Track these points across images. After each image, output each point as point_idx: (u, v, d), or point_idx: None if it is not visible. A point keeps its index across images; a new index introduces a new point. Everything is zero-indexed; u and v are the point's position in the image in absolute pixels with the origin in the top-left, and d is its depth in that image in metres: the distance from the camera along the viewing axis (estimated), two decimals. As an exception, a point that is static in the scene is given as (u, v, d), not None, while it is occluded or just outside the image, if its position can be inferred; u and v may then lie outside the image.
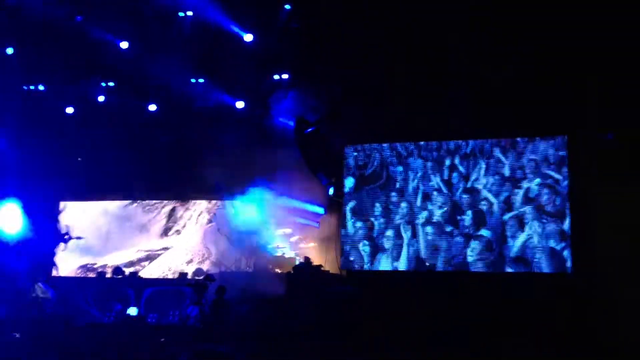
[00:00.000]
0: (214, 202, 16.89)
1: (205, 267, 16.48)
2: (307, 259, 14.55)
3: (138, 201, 17.57)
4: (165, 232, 17.43)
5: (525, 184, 13.90)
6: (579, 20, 12.48)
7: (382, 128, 15.11)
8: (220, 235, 16.58)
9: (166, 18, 15.72)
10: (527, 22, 12.95)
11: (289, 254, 15.60)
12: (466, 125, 14.20)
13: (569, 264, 13.29)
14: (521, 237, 13.70)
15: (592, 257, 12.87)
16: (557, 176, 13.70)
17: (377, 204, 14.99)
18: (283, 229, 15.73)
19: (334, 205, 15.49)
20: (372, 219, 14.92)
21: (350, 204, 15.08)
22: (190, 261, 16.83)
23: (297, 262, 14.92)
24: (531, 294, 12.77)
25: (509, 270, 13.68)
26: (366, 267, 14.69)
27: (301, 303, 13.13)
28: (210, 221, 16.89)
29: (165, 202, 17.40)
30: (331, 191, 15.45)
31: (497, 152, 14.30)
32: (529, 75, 13.39)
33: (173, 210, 17.40)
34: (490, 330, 11.63)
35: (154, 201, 17.45)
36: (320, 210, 15.57)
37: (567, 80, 13.10)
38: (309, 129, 15.70)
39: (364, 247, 14.83)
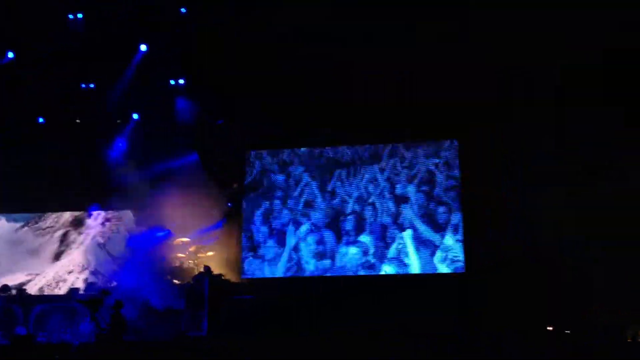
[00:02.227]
0: (108, 225, 16.65)
1: (83, 276, 16.26)
2: (207, 268, 14.25)
3: (30, 224, 17.12)
4: (57, 256, 16.85)
5: (404, 189, 14.58)
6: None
7: (278, 133, 15.18)
8: (99, 249, 16.54)
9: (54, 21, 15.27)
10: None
11: (188, 263, 15.25)
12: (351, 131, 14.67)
13: (447, 266, 13.94)
14: (398, 240, 14.34)
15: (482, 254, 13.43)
16: (437, 178, 14.41)
17: (258, 212, 15.19)
18: (181, 239, 15.37)
19: (234, 212, 15.37)
20: (252, 227, 15.14)
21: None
22: (71, 271, 16.52)
23: (196, 272, 14.58)
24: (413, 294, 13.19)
25: (387, 270, 14.23)
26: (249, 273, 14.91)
27: (203, 313, 12.90)
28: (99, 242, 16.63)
29: (58, 226, 16.97)
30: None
31: (377, 159, 14.91)
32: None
33: (65, 234, 16.93)
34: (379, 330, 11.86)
35: (47, 225, 17.03)
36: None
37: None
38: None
39: (248, 260, 15.05)
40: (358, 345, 11.32)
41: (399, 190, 14.64)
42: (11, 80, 16.18)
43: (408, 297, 13.01)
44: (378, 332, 11.56)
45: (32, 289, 16.32)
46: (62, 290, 16.20)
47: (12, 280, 16.27)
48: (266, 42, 14.46)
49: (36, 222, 17.13)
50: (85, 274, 16.39)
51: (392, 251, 14.37)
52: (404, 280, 14.06)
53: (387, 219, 14.56)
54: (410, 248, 14.28)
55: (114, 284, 15.72)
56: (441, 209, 14.30)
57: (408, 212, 14.48)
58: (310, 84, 14.28)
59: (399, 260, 14.30)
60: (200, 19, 15.14)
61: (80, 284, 16.19)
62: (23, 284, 16.41)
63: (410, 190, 14.56)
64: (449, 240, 14.10)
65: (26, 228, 17.15)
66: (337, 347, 11.35)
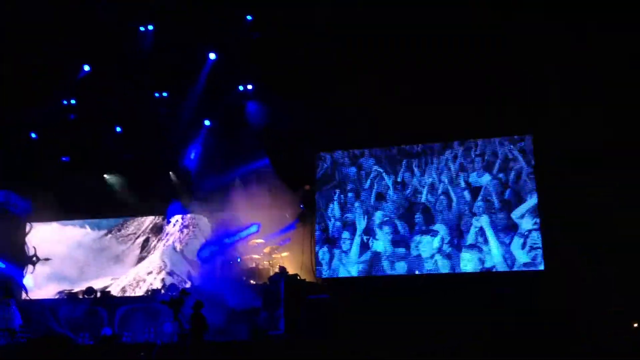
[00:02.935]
0: (185, 231, 17.28)
1: (161, 276, 17.00)
2: (282, 268, 14.53)
3: (113, 232, 17.95)
4: (139, 261, 17.71)
5: (478, 177, 14.45)
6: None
7: (346, 134, 15.32)
8: (174, 251, 17.21)
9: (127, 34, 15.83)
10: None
11: (263, 264, 15.59)
12: (420, 126, 14.56)
13: (524, 257, 13.75)
14: (474, 228, 14.21)
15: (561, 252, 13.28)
16: (512, 166, 14.24)
17: (331, 206, 15.31)
18: (255, 240, 15.73)
19: (306, 214, 15.60)
20: (327, 220, 15.27)
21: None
22: (150, 272, 17.36)
23: (272, 273, 14.88)
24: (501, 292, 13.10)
25: (464, 256, 14.12)
26: (325, 272, 15.01)
27: (279, 313, 13.17)
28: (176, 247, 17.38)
29: (139, 233, 17.76)
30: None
31: (448, 151, 14.79)
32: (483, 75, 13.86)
33: (147, 240, 17.71)
34: (464, 332, 11.82)
35: (129, 232, 17.84)
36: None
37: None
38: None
39: (323, 252, 15.16)
40: (435, 345, 11.38)
41: (472, 178, 14.48)
42: (88, 92, 16.91)
43: (488, 295, 12.93)
44: (456, 332, 11.58)
45: (114, 290, 17.21)
46: (142, 289, 17.04)
47: (98, 285, 17.17)
48: (330, 45, 14.62)
49: (119, 230, 17.97)
50: (162, 275, 17.17)
51: (469, 238, 14.23)
52: (483, 277, 13.92)
53: (461, 207, 14.42)
54: (489, 235, 14.07)
55: (189, 283, 16.34)
56: (517, 196, 14.08)
57: (483, 200, 14.32)
58: (380, 83, 14.28)
59: (478, 247, 14.13)
60: (267, 24, 15.44)
61: (158, 284, 16.99)
62: (107, 286, 17.22)
63: (485, 178, 14.38)
64: (527, 225, 13.85)
65: (110, 235, 17.99)
66: (414, 347, 11.42)
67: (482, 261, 14.07)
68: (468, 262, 14.17)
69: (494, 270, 13.94)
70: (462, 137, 14.67)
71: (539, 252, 13.72)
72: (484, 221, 14.19)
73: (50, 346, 13.50)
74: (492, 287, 13.47)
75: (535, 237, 13.79)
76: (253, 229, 15.72)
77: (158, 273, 17.21)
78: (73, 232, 18.11)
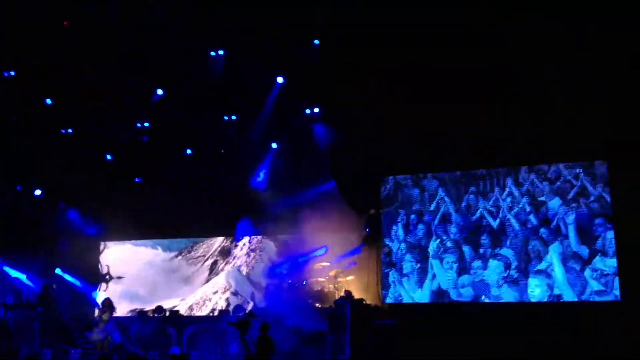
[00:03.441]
0: (252, 255, 17.72)
1: (225, 296, 17.51)
2: (348, 292, 14.53)
3: (183, 254, 18.60)
4: (207, 283, 18.28)
5: (545, 205, 14.16)
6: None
7: (412, 158, 15.26)
8: (239, 273, 17.67)
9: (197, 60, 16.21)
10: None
11: (328, 287, 15.62)
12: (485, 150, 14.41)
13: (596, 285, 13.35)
14: (543, 254, 13.93)
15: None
16: (579, 199, 13.90)
17: (394, 228, 15.28)
18: (321, 263, 15.79)
19: (372, 237, 15.57)
20: (389, 243, 15.25)
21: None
22: (216, 292, 17.90)
23: (337, 297, 14.89)
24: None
25: (532, 282, 13.84)
26: (390, 297, 14.94)
27: (345, 338, 13.16)
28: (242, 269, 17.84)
29: (208, 255, 18.33)
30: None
31: (514, 175, 14.58)
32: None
33: (215, 263, 18.28)
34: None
35: (198, 254, 18.45)
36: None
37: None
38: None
39: (388, 276, 15.15)
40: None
41: (540, 202, 14.24)
42: (161, 115, 17.41)
43: (558, 326, 12.60)
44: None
45: (182, 308, 17.72)
46: (208, 308, 17.54)
47: (167, 304, 17.70)
48: (395, 70, 14.62)
49: (189, 252, 18.61)
50: (227, 294, 17.63)
51: (537, 264, 13.96)
52: (551, 306, 13.59)
53: (528, 232, 14.19)
54: (557, 261, 13.78)
55: (251, 304, 16.53)
56: (588, 222, 13.77)
57: (551, 226, 14.05)
58: (444, 107, 14.23)
59: (546, 273, 13.85)
60: (330, 48, 15.56)
61: (222, 303, 17.47)
62: (176, 306, 17.64)
63: (554, 202, 14.12)
64: (598, 252, 13.52)
65: (180, 257, 18.64)
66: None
67: (550, 287, 13.77)
68: (536, 288, 13.89)
69: (562, 297, 13.61)
70: (530, 161, 14.43)
71: (612, 279, 13.31)
72: (552, 247, 13.90)
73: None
74: (561, 316, 13.09)
75: (609, 265, 13.37)
76: (321, 251, 15.79)
77: (223, 293, 17.70)
78: (145, 252, 18.85)
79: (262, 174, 17.08)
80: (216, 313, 17.31)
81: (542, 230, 14.09)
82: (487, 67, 13.98)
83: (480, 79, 14.15)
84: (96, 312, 17.40)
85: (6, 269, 17.52)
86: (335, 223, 15.24)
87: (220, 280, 17.93)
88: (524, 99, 13.77)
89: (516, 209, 14.42)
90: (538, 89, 13.69)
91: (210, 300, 17.70)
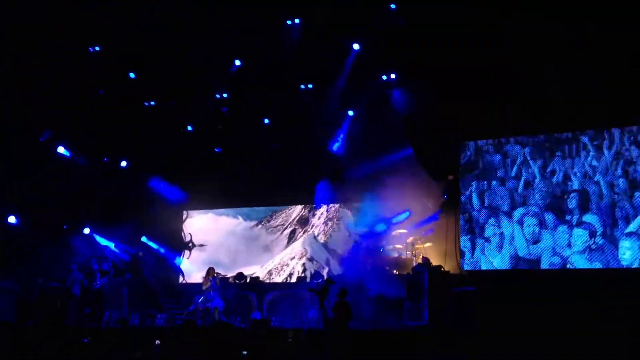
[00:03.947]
0: (330, 224, 17.97)
1: (302, 261, 17.97)
2: (425, 259, 14.38)
3: (263, 223, 18.99)
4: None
5: (635, 165, 13.53)
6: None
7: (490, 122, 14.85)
8: (315, 240, 17.97)
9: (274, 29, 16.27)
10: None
11: (406, 254, 15.52)
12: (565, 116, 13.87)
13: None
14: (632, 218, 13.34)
15: None
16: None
17: (475, 194, 14.98)
18: (399, 230, 15.69)
19: (449, 204, 15.34)
20: (471, 210, 15.00)
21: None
22: (293, 257, 18.29)
23: (415, 264, 14.79)
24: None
25: (623, 244, 13.28)
26: (468, 263, 14.73)
27: (423, 304, 13.08)
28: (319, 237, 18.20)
29: (287, 224, 18.68)
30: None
31: (601, 138, 13.97)
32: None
33: (293, 232, 18.59)
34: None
35: (277, 223, 18.80)
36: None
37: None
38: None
39: (467, 243, 14.94)
40: (579, 346, 10.80)
41: (629, 166, 13.57)
42: (239, 86, 17.64)
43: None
44: (607, 331, 10.90)
45: (262, 273, 18.18)
46: (285, 273, 18.02)
47: (248, 271, 18.11)
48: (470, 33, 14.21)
49: (268, 221, 19.01)
50: (303, 260, 18.07)
51: (626, 227, 13.36)
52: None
53: (616, 197, 13.59)
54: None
55: (326, 269, 16.65)
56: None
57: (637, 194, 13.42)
58: (523, 70, 13.74)
59: (638, 235, 13.23)
60: (408, 13, 15.27)
61: (299, 268, 17.94)
62: (255, 272, 17.99)
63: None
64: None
65: (260, 226, 19.06)
66: (560, 345, 10.92)
67: (642, 249, 13.11)
68: (627, 251, 13.31)
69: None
70: (617, 123, 13.77)
71: None
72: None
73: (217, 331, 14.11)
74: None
75: None
76: (404, 215, 15.67)
77: (300, 259, 18.10)
78: (227, 221, 19.36)
79: (339, 140, 17.03)
80: (294, 279, 17.64)
81: (635, 193, 13.42)
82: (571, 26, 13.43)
83: (564, 37, 13.59)
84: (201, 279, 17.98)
85: (96, 237, 18.31)
86: (413, 189, 15.09)
87: (297, 247, 18.29)
88: (611, 57, 13.12)
89: (602, 173, 13.81)
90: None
91: (287, 265, 18.17)
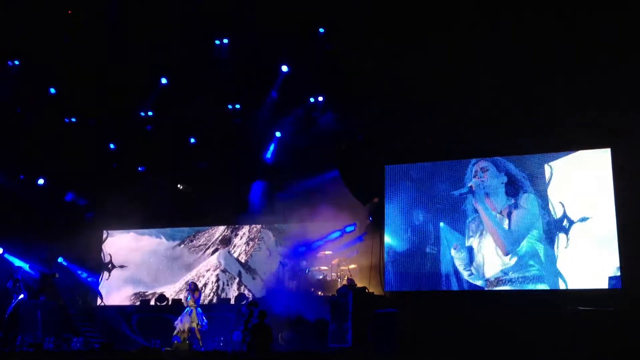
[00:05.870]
0: (251, 244, 18.02)
1: (216, 273, 18.12)
2: (350, 281, 14.40)
3: (185, 243, 18.85)
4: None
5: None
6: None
7: (419, 147, 15.11)
8: (229, 254, 18.19)
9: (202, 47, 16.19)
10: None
11: (331, 276, 15.54)
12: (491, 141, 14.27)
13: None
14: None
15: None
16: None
17: (398, 217, 15.07)
18: (324, 252, 15.72)
19: (375, 225, 15.48)
20: (392, 230, 15.03)
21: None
22: (208, 269, 18.45)
23: (340, 285, 14.80)
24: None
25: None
26: (393, 285, 14.79)
27: (347, 326, 13.06)
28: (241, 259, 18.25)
29: (210, 244, 18.59)
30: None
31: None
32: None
33: (215, 251, 18.53)
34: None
35: (200, 243, 18.71)
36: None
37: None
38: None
39: (391, 265, 14.94)
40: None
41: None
42: (164, 105, 17.39)
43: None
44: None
45: (180, 285, 18.06)
46: (200, 283, 17.81)
47: (170, 290, 17.88)
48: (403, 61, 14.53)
49: (191, 241, 18.86)
50: (217, 272, 18.19)
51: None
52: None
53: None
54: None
55: (237, 279, 17.19)
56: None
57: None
58: (450, 97, 14.10)
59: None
60: (338, 38, 15.49)
61: (213, 279, 18.06)
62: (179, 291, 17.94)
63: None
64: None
65: (182, 245, 18.86)
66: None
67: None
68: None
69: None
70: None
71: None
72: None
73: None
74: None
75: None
76: (336, 234, 15.85)
77: (214, 270, 18.19)
78: (149, 241, 19.05)
79: (269, 153, 17.03)
80: (207, 290, 17.73)
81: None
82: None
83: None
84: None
85: (9, 257, 17.51)
86: (337, 211, 15.17)
87: (212, 260, 18.39)
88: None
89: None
90: None
91: (203, 276, 18.22)
